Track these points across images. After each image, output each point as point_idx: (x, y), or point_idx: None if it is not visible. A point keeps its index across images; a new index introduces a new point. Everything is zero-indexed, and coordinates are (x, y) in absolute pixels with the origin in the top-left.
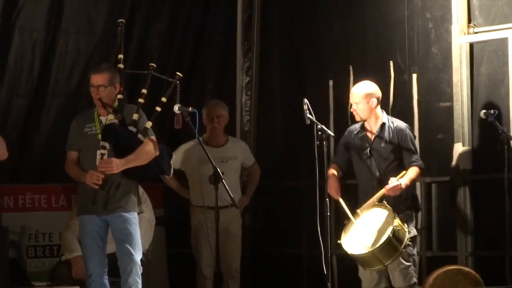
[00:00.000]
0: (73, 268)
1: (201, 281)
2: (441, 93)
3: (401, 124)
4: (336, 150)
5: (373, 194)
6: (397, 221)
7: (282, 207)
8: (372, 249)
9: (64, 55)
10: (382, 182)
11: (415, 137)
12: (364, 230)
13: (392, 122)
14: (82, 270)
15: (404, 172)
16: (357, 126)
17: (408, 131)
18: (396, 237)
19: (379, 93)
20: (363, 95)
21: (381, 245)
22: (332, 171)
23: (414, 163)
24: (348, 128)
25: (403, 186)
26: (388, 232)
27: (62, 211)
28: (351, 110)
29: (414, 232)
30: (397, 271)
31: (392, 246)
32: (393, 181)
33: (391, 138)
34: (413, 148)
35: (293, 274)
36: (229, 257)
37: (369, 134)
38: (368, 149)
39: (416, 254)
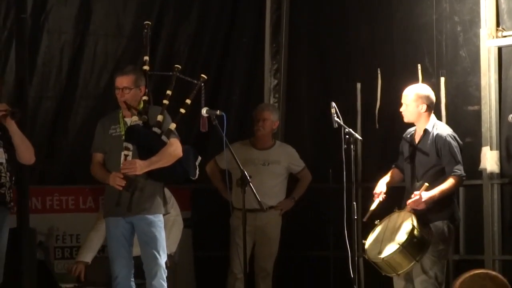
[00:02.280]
0: (73, 267)
1: (232, 281)
2: (469, 97)
3: (443, 131)
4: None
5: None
6: (417, 231)
7: (309, 209)
8: (383, 257)
9: (93, 58)
10: (419, 189)
11: (459, 144)
12: (387, 236)
13: (436, 129)
14: (77, 272)
15: (426, 184)
16: (412, 129)
17: (449, 138)
18: (410, 247)
19: (431, 99)
20: (413, 97)
21: (391, 254)
22: (387, 175)
23: (452, 174)
24: (407, 130)
25: (425, 200)
26: (400, 242)
27: (90, 213)
28: (400, 110)
29: (441, 246)
30: (419, 280)
31: (405, 256)
32: (416, 194)
33: (430, 145)
34: (452, 157)
35: (319, 277)
36: (263, 258)
37: (416, 139)
38: (410, 153)
39: (443, 272)
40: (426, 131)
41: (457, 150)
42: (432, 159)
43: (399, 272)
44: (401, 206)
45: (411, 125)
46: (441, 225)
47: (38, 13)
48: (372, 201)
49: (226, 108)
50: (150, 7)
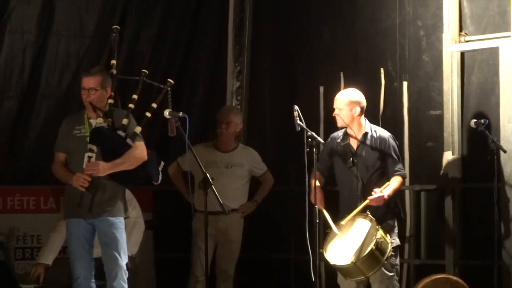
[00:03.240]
0: (32, 269)
1: (193, 284)
2: (431, 101)
3: (384, 133)
4: (319, 157)
5: (356, 203)
6: (380, 233)
7: (271, 212)
8: (355, 261)
9: (55, 58)
10: (365, 191)
11: (398, 146)
12: (347, 241)
13: (375, 131)
14: (36, 274)
15: (387, 183)
16: (339, 133)
17: (391, 140)
18: (379, 249)
19: (363, 103)
20: (347, 102)
21: (364, 257)
22: (315, 181)
23: (397, 173)
24: (331, 135)
25: (386, 197)
26: (371, 245)
27: (51, 213)
28: (333, 115)
29: (397, 241)
30: (378, 281)
31: (375, 258)
32: (377, 192)
33: (374, 147)
34: (396, 157)
35: (281, 279)
36: (225, 261)
37: (352, 143)
38: (352, 157)
39: (399, 263)
40: (366, 134)
41: (397, 150)
42: (377, 161)
43: (368, 275)
44: (339, 211)
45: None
46: (393, 223)
47: (1, 13)
48: (321, 211)
49: (189, 110)
50: (113, 8)
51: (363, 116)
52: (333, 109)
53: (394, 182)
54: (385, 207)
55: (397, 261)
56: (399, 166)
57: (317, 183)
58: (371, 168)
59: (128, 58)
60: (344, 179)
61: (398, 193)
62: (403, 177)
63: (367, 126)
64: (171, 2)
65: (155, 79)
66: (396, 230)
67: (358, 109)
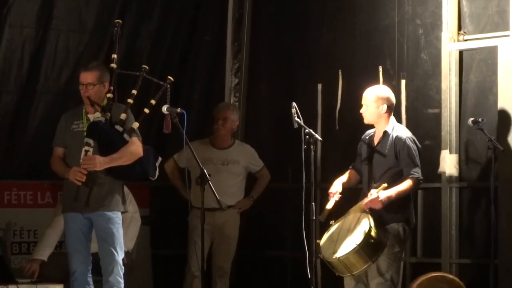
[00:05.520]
0: (27, 265)
1: (189, 279)
2: (429, 100)
3: (402, 134)
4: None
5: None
6: (374, 232)
7: (268, 209)
8: (338, 257)
9: (54, 53)
10: (377, 188)
11: (418, 148)
12: (342, 236)
13: (396, 131)
14: (31, 271)
15: (385, 184)
16: (371, 131)
17: (408, 142)
18: (367, 248)
19: (392, 100)
20: (374, 98)
21: (347, 254)
22: (344, 176)
23: (409, 176)
24: (366, 132)
25: (382, 199)
26: (357, 242)
27: (48, 208)
28: (360, 111)
29: (396, 248)
30: (374, 282)
31: (361, 256)
32: (372, 194)
33: (389, 147)
34: (410, 160)
35: (277, 277)
36: (221, 257)
37: (375, 140)
38: (369, 154)
39: (399, 273)
40: (385, 133)
41: (415, 153)
42: (390, 161)
43: (354, 273)
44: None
45: (371, 126)
46: (397, 227)
47: (0, 7)
48: (327, 200)
49: (187, 106)
50: (113, 3)
51: (392, 116)
52: (361, 106)
53: (402, 185)
54: (391, 209)
55: (395, 268)
56: (413, 169)
57: (344, 178)
58: (383, 168)
59: (127, 53)
60: (363, 175)
61: (407, 197)
62: (414, 181)
63: (390, 125)
64: None
65: (154, 75)
66: (401, 234)
67: (385, 107)
